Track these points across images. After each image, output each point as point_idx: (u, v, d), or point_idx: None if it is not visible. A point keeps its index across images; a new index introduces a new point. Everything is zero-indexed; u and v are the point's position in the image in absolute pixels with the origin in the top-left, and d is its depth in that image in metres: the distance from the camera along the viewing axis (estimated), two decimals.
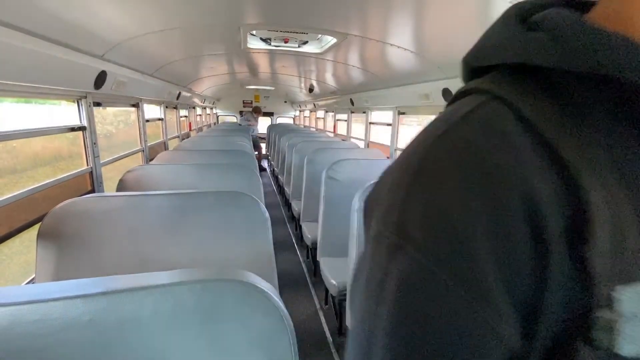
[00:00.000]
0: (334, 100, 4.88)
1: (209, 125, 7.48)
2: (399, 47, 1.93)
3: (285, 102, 8.80)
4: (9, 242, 1.41)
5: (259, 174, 1.79)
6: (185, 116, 5.21)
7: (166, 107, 3.82)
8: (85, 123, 1.96)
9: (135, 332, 0.53)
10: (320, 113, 6.75)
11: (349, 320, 1.51)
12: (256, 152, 5.32)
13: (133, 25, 1.63)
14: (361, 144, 4.10)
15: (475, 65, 0.31)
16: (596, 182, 0.22)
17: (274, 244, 1.22)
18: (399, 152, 3.03)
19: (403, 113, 3.21)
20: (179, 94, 3.87)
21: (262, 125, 7.86)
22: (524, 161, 0.23)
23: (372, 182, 1.48)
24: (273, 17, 1.77)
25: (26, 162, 2.12)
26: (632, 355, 0.20)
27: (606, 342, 0.21)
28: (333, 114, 5.71)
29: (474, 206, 0.23)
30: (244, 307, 0.58)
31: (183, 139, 4.32)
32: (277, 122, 8.73)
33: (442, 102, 2.28)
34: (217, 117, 8.86)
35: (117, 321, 0.53)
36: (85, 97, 1.93)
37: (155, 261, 1.11)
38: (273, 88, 6.79)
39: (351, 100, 4.10)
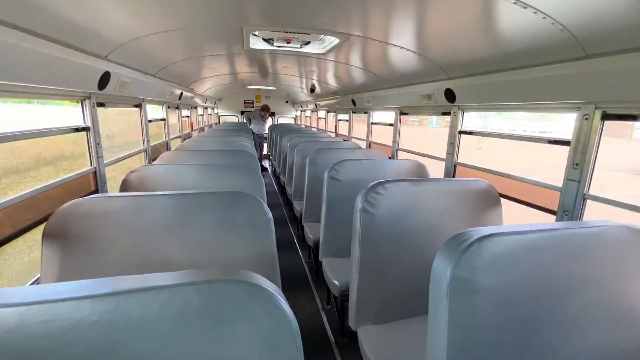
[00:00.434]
0: (335, 100, 4.88)
1: (210, 125, 7.50)
2: (401, 47, 1.93)
3: (287, 102, 8.82)
4: (12, 242, 1.41)
5: (261, 174, 1.80)
6: (187, 116, 5.23)
7: (168, 107, 3.83)
8: (89, 124, 1.97)
9: (143, 332, 0.54)
10: (322, 113, 6.76)
11: (351, 321, 1.51)
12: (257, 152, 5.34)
13: (137, 26, 1.63)
14: (363, 144, 4.10)
15: None
16: None
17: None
18: (400, 153, 3.02)
19: (405, 113, 3.21)
20: (181, 94, 3.87)
21: None
22: None
23: (374, 182, 1.49)
24: (276, 18, 1.77)
25: (29, 162, 2.13)
26: None
27: None
28: (335, 114, 5.71)
29: None
30: (250, 307, 0.58)
31: (185, 139, 4.32)
32: (279, 122, 8.75)
33: (445, 103, 2.27)
34: (219, 117, 8.88)
35: (125, 322, 0.53)
36: (89, 98, 1.94)
37: (158, 261, 1.11)
38: (274, 88, 6.80)
39: (353, 100, 4.10)
